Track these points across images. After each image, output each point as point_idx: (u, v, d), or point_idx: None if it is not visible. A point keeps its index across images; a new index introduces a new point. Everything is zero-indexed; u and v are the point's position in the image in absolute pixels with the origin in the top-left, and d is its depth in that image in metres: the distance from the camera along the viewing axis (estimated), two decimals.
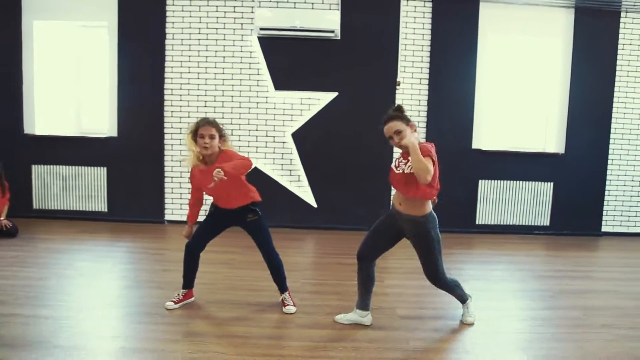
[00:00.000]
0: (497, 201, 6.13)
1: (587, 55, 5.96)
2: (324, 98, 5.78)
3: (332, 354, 2.64)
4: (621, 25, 6.01)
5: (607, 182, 6.27)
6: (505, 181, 6.08)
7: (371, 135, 5.80)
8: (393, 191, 3.07)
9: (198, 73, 5.72)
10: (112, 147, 5.82)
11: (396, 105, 2.88)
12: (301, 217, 5.94)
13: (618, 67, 6.05)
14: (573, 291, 4.02)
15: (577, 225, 6.25)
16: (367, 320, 3.08)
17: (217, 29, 5.69)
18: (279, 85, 5.74)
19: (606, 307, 3.64)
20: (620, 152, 6.25)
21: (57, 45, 5.94)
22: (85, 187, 5.91)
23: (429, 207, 2.88)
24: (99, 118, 5.99)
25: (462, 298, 3.18)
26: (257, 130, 5.84)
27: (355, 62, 5.74)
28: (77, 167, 5.87)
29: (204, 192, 3.18)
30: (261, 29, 5.48)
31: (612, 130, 6.16)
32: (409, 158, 2.68)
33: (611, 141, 6.19)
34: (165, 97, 5.76)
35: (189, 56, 5.71)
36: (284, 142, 5.87)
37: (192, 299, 3.36)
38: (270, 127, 5.85)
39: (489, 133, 6.11)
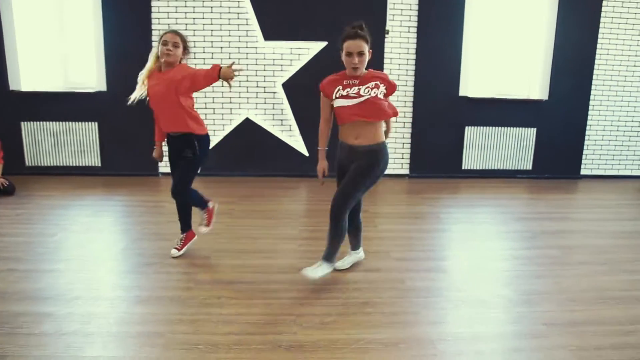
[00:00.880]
0: (482, 147, 6.33)
1: (572, 3, 6.01)
2: (314, 47, 5.78)
3: (336, 295, 2.88)
4: None
5: (588, 127, 6.49)
6: (490, 127, 6.27)
7: None
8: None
9: (186, 24, 5.64)
10: (102, 102, 5.80)
11: (360, 23, 2.81)
12: (293, 165, 6.08)
13: (602, 14, 6.12)
14: (552, 231, 4.32)
15: (558, 169, 6.53)
16: (362, 255, 3.37)
17: None
18: (268, 35, 5.71)
19: (582, 246, 3.95)
20: (601, 98, 6.43)
21: (37, 2, 5.76)
22: (77, 142, 5.93)
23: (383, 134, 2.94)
24: (86, 72, 5.91)
25: (330, 256, 2.95)
26: (247, 80, 5.86)
27: (344, 11, 5.71)
28: (67, 122, 5.86)
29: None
30: None
31: (594, 77, 6.32)
32: (365, 85, 2.74)
33: (593, 88, 6.35)
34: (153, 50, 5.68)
35: (176, 6, 5.62)
36: (274, 92, 5.91)
37: (195, 237, 3.53)
38: (260, 78, 5.87)
39: (476, 80, 6.22)
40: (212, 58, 5.75)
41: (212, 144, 5.90)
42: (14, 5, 5.58)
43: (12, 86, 5.76)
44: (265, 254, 3.54)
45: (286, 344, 2.33)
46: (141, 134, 5.85)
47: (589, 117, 6.45)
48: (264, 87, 5.89)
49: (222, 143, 5.91)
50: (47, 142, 5.90)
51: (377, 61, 5.86)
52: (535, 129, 6.34)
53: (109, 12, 5.57)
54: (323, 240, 3.87)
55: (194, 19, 5.65)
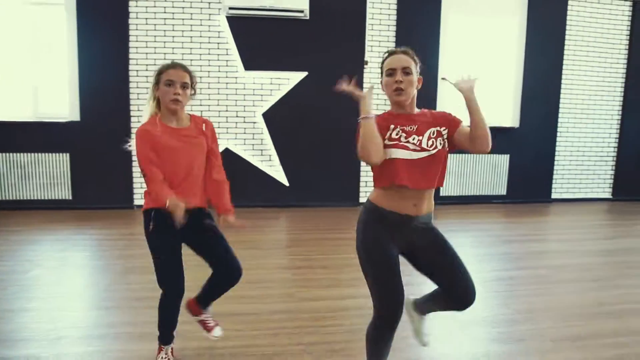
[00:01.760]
0: (459, 174, 6.47)
1: (539, 35, 6.36)
2: (294, 78, 5.83)
3: (340, 322, 2.80)
4: (568, 7, 6.44)
5: (557, 153, 6.77)
6: (466, 155, 6.43)
7: (339, 114, 5.95)
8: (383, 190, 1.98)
9: (164, 53, 5.59)
10: (74, 132, 5.60)
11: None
12: (273, 196, 6.02)
13: (565, 47, 6.51)
14: (537, 252, 4.42)
15: (530, 193, 6.75)
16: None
17: (183, 7, 5.56)
18: (249, 65, 5.73)
19: (569, 265, 4.04)
20: (568, 125, 6.76)
21: (8, 25, 5.58)
22: (47, 174, 5.68)
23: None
24: (58, 102, 5.71)
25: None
26: (227, 110, 5.82)
27: (324, 42, 5.82)
28: (36, 154, 5.61)
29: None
30: (230, 8, 5.42)
31: (561, 106, 6.65)
32: (431, 128, 1.93)
33: (560, 115, 6.68)
34: (131, 79, 5.60)
35: (155, 36, 5.56)
36: (254, 122, 5.88)
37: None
38: (240, 108, 5.84)
39: (452, 110, 6.37)
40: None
41: None
42: None
43: None
44: (261, 284, 3.42)
45: None
46: (115, 165, 5.68)
47: (557, 143, 6.74)
48: (244, 117, 5.86)
49: None
50: (13, 174, 5.61)
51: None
52: (508, 155, 6.55)
53: (84, 41, 5.46)
54: (316, 268, 3.83)
55: (173, 48, 5.61)
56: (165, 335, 2.29)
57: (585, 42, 6.58)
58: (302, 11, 5.54)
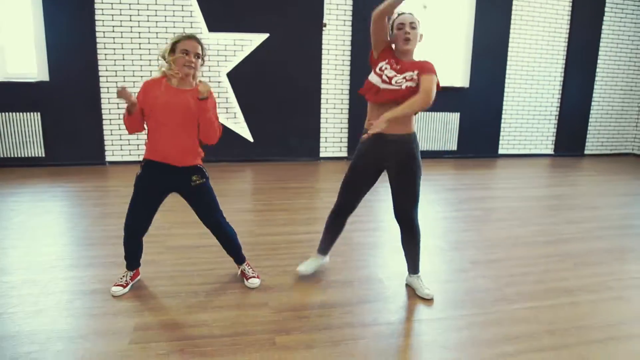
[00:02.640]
0: None
1: (487, 1, 6.77)
2: (256, 39, 6.12)
3: (295, 251, 3.28)
4: None
5: (503, 112, 7.32)
6: (419, 113, 6.88)
7: (300, 73, 6.32)
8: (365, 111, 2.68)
9: (130, 15, 5.78)
10: (44, 92, 5.79)
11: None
12: (239, 151, 6.39)
13: (513, 9, 6.95)
14: (475, 198, 4.97)
15: (479, 149, 7.31)
16: (327, 260, 3.00)
17: None
18: (213, 27, 5.98)
19: (500, 208, 4.62)
20: (514, 85, 7.28)
21: None
22: (19, 133, 5.88)
23: (414, 123, 2.61)
24: (26, 62, 5.87)
25: (417, 264, 2.76)
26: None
27: (285, 5, 6.10)
28: (7, 113, 5.79)
29: (146, 122, 2.49)
30: None
31: (508, 67, 7.15)
32: (408, 72, 2.45)
33: (507, 76, 7.18)
34: (98, 40, 5.78)
35: None
36: (219, 82, 6.18)
37: (139, 277, 2.83)
38: (205, 68, 6.12)
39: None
40: (157, 48, 5.91)
41: None
42: None
43: None
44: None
45: (257, 288, 2.70)
46: (87, 123, 5.93)
47: (504, 102, 7.28)
48: (209, 77, 6.14)
49: None
50: None
51: (315, 53, 6.31)
52: (458, 113, 7.05)
53: (49, 1, 5.58)
54: (276, 211, 4.27)
55: (138, 10, 5.80)
56: (127, 262, 2.73)
57: (530, 8, 7.04)
58: None
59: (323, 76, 6.42)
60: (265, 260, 3.11)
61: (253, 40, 6.12)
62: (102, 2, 5.71)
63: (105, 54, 5.86)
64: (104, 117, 6.00)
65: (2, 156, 5.89)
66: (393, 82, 2.48)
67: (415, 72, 2.46)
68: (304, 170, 6.09)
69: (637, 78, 7.87)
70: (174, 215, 3.76)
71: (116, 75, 5.90)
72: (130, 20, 5.81)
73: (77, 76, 5.82)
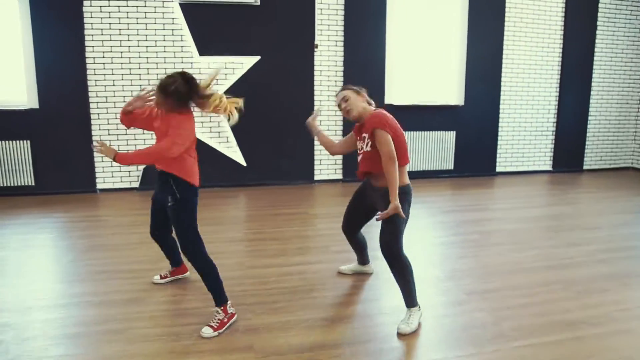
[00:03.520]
0: (408, 150, 6.85)
1: (481, 17, 6.75)
2: (247, 62, 6.06)
3: (284, 285, 3.15)
4: None
5: (500, 129, 7.24)
6: (414, 132, 6.82)
7: (292, 95, 6.25)
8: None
9: (120, 40, 5.73)
10: (34, 119, 5.71)
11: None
12: (231, 175, 6.29)
13: (505, 28, 6.92)
14: (472, 220, 4.85)
15: (476, 168, 7.21)
16: (369, 269, 3.37)
17: None
18: (203, 50, 5.92)
19: (498, 230, 4.50)
20: (509, 102, 7.22)
21: None
22: (9, 161, 5.78)
23: (405, 177, 2.69)
24: (15, 89, 5.80)
25: (412, 299, 2.64)
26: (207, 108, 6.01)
27: (275, 27, 6.05)
28: None
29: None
30: None
31: (502, 84, 7.09)
32: (362, 135, 2.71)
33: (502, 93, 7.12)
34: (88, 66, 5.72)
35: (110, 23, 5.68)
36: None
37: (187, 273, 3.22)
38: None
39: (399, 89, 6.76)
40: (148, 73, 5.86)
41: None
42: None
43: None
44: (214, 254, 3.71)
45: (243, 329, 2.57)
46: (77, 151, 5.83)
47: (500, 119, 7.20)
48: None
49: None
50: None
51: (307, 74, 6.25)
52: (454, 132, 6.97)
53: (39, 28, 5.52)
54: (267, 240, 4.15)
55: (128, 35, 5.75)
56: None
57: (523, 24, 7.01)
58: None
59: (316, 97, 6.35)
60: (252, 297, 2.98)
61: (244, 63, 6.06)
62: (92, 28, 5.66)
63: (96, 80, 5.79)
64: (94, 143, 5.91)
65: None
66: (361, 149, 2.79)
67: (367, 134, 2.68)
68: (298, 194, 5.98)
69: (633, 91, 7.81)
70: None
71: (106, 101, 5.83)
72: (121, 46, 5.75)
73: (67, 103, 5.75)
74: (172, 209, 2.63)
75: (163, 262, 3.45)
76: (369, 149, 2.68)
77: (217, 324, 2.53)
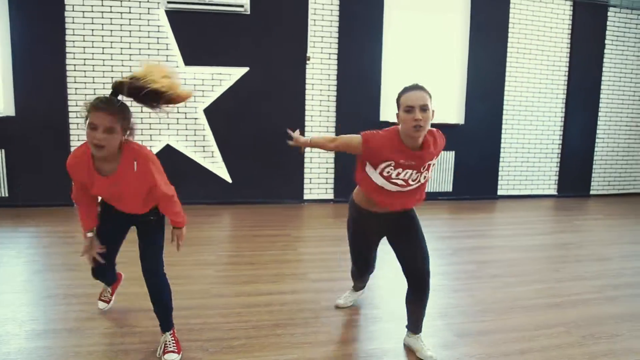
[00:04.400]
0: None
1: (482, 32, 6.45)
2: (235, 73, 5.77)
3: (247, 318, 2.77)
4: (511, 6, 6.55)
5: (502, 150, 6.88)
6: None
7: (282, 109, 5.94)
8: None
9: (103, 47, 5.46)
10: (10, 128, 5.42)
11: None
12: (216, 193, 5.95)
13: (509, 45, 6.62)
14: (469, 248, 4.47)
15: (476, 190, 6.84)
16: (360, 293, 3.05)
17: (121, 1, 5.44)
18: (189, 60, 5.64)
19: (496, 260, 4.11)
20: (512, 122, 6.88)
21: None
22: None
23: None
24: None
25: (420, 324, 2.49)
26: (167, 106, 5.70)
27: (266, 37, 5.77)
28: None
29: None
30: (169, 2, 5.34)
31: (505, 103, 6.76)
32: (429, 163, 2.17)
33: (504, 113, 6.79)
34: (68, 74, 5.44)
35: (92, 29, 5.42)
36: (195, 119, 5.80)
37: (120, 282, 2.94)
38: (181, 104, 5.73)
39: (395, 105, 6.43)
40: None
41: None
42: None
43: None
44: (178, 280, 3.35)
45: None
46: (54, 161, 5.51)
47: (502, 140, 6.85)
48: (185, 113, 5.77)
49: None
50: None
51: (298, 88, 5.95)
52: (453, 152, 6.62)
53: (18, 35, 5.27)
54: (242, 264, 3.78)
55: (111, 42, 5.48)
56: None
57: (527, 40, 6.71)
58: (242, 6, 5.49)
59: (307, 112, 6.03)
60: (209, 331, 2.60)
61: (232, 75, 5.76)
62: (74, 34, 5.40)
63: (76, 88, 5.51)
64: None
65: None
66: (410, 182, 2.19)
67: (435, 159, 2.19)
68: (285, 214, 5.62)
69: None
70: (130, 267, 3.29)
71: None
72: (103, 53, 5.48)
73: (45, 111, 5.46)
74: (155, 226, 2.38)
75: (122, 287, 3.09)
76: (422, 180, 2.21)
77: (176, 347, 2.33)
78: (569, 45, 6.91)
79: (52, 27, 5.33)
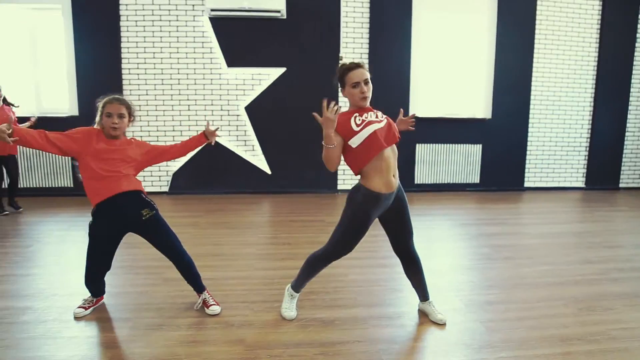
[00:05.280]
0: (432, 162, 6.87)
1: (509, 29, 6.71)
2: (273, 73, 6.28)
3: (284, 286, 3.26)
4: (538, 2, 6.76)
5: (529, 143, 7.12)
6: (439, 144, 6.82)
7: (317, 107, 6.38)
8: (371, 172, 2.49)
9: (154, 52, 6.08)
10: (75, 126, 6.05)
11: (339, 57, 2.89)
12: (256, 183, 6.49)
13: (536, 41, 6.84)
14: (488, 234, 4.81)
15: (503, 182, 7.11)
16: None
17: (169, 10, 6.03)
18: (231, 62, 6.19)
19: (511, 245, 4.44)
20: (539, 116, 7.10)
21: (11, 28, 6.11)
22: (49, 165, 6.20)
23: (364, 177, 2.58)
24: (58, 99, 6.25)
25: (426, 291, 2.88)
26: (212, 104, 6.30)
27: (301, 40, 6.25)
28: None
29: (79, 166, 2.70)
30: (212, 9, 5.88)
31: (532, 97, 6.99)
32: (375, 112, 2.53)
33: (531, 106, 7.02)
34: (123, 76, 6.09)
35: (144, 37, 6.05)
36: (237, 115, 6.35)
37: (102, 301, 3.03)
38: (224, 102, 6.31)
39: (424, 101, 6.79)
40: (179, 84, 6.18)
41: (179, 165, 6.31)
42: None
43: None
44: (224, 256, 3.90)
45: (238, 324, 2.71)
46: None
47: (529, 134, 7.09)
48: (228, 111, 6.32)
49: (189, 163, 6.30)
50: (21, 165, 6.16)
51: (332, 87, 6.37)
52: (480, 145, 6.92)
53: (80, 43, 5.96)
54: (280, 244, 4.29)
55: (161, 47, 6.09)
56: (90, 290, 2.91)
57: (555, 36, 6.90)
58: (279, 11, 5.97)
59: (341, 109, 6.46)
60: (254, 295, 3.11)
61: (270, 75, 6.28)
62: (128, 41, 6.04)
63: (130, 89, 6.15)
64: None
65: (34, 186, 6.23)
66: (380, 117, 2.53)
67: (379, 112, 2.57)
68: (320, 202, 6.10)
69: None
70: (186, 247, 3.84)
71: (139, 109, 6.17)
72: (154, 57, 6.09)
73: None
74: (155, 217, 2.76)
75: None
76: (385, 121, 2.52)
77: (215, 301, 2.90)
78: (598, 38, 7.04)
79: (109, 36, 5.99)
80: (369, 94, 2.53)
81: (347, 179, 6.70)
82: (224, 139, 6.37)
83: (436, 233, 4.84)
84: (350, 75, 2.51)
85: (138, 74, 6.11)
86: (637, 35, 7.13)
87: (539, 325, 2.80)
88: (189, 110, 6.22)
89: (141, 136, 6.22)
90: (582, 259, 4.07)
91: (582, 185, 7.44)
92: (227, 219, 5.24)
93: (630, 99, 7.30)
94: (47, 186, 6.25)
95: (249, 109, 6.34)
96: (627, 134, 7.42)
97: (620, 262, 4.01)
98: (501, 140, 6.97)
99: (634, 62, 7.20)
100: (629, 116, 7.36)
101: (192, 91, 6.23)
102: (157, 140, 6.21)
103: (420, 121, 6.69)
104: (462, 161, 6.95)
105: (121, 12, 5.98)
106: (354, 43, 6.39)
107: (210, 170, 6.32)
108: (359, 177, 2.59)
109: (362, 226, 2.55)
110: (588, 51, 7.06)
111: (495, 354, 2.47)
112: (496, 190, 7.05)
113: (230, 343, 2.50)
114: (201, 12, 6.06)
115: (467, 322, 2.82)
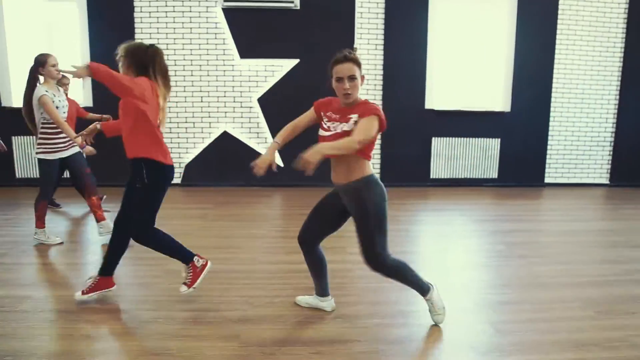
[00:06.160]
0: (449, 157, 6.69)
1: (530, 19, 6.45)
2: (286, 65, 6.18)
3: (288, 281, 3.20)
4: None
5: (549, 137, 6.88)
6: (456, 138, 6.64)
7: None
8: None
9: (167, 44, 6.04)
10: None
11: (354, 47, 2.67)
12: (268, 175, 6.40)
13: (558, 31, 6.57)
14: (504, 231, 4.65)
15: (522, 177, 6.89)
16: (327, 305, 2.80)
17: (183, 1, 5.99)
18: (244, 53, 6.11)
19: (527, 242, 4.28)
20: (561, 109, 6.84)
21: (27, 20, 6.15)
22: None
23: (369, 168, 2.53)
24: (74, 90, 6.24)
25: (422, 288, 2.62)
26: (225, 96, 6.24)
27: (314, 30, 6.13)
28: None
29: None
30: (225, 0, 5.81)
31: (553, 90, 6.73)
32: (350, 116, 2.42)
33: (552, 99, 6.76)
34: None
35: (158, 27, 6.02)
36: (250, 107, 6.29)
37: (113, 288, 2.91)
38: (237, 93, 6.25)
39: (441, 94, 6.61)
40: (192, 75, 6.14)
41: (192, 157, 6.29)
42: (6, 26, 5.97)
43: (4, 103, 6.12)
44: (229, 249, 3.84)
45: (235, 319, 2.64)
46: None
47: (550, 128, 6.84)
48: (241, 102, 6.26)
49: (201, 155, 6.27)
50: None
51: None
52: (499, 139, 6.71)
53: (95, 34, 5.95)
54: (287, 237, 4.19)
55: (174, 39, 6.05)
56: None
57: (579, 26, 6.61)
58: (292, 1, 5.87)
59: None
60: (254, 290, 3.05)
61: (283, 66, 6.19)
62: (142, 32, 6.02)
63: None
64: None
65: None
66: (331, 129, 2.51)
67: (356, 115, 2.40)
68: None
69: None
70: (190, 238, 3.81)
71: None
72: (167, 48, 6.04)
73: (116, 103, 6.11)
74: (140, 189, 2.78)
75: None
76: (347, 129, 2.43)
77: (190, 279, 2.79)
78: (624, 29, 6.73)
79: (123, 27, 5.98)
80: (354, 92, 2.40)
81: None
82: (237, 131, 6.31)
83: (450, 229, 4.70)
84: (336, 68, 2.41)
85: None
86: None
87: (552, 329, 2.66)
88: (201, 101, 6.17)
89: None
90: (602, 259, 3.89)
91: (606, 181, 7.16)
92: (237, 211, 5.18)
93: None
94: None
95: (262, 100, 6.26)
96: None
97: None
98: (520, 134, 6.75)
99: None
100: None
101: (205, 82, 6.17)
102: (170, 132, 6.18)
103: (435, 114, 6.52)
104: (480, 155, 6.75)
105: (135, 3, 5.95)
106: (368, 34, 6.24)
107: (222, 162, 6.27)
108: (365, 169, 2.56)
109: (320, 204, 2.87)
110: (614, 41, 6.75)
111: (503, 358, 2.34)
112: (515, 186, 6.83)
113: (224, 338, 2.43)
114: (214, 2, 5.99)
115: (476, 323, 2.70)
